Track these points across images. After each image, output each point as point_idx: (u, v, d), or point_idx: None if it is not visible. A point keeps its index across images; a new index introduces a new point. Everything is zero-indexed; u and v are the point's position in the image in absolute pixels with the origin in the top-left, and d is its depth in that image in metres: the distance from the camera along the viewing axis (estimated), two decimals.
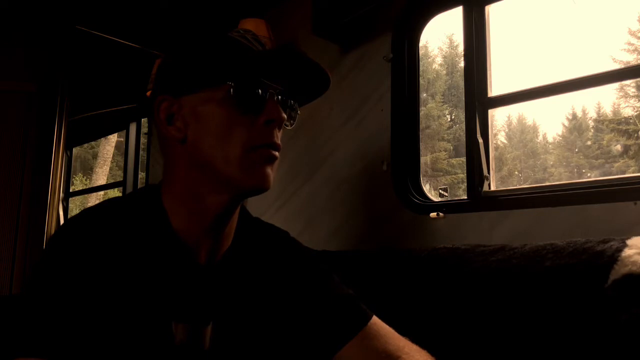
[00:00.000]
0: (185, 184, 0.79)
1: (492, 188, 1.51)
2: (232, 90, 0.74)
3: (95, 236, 0.74)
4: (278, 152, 0.78)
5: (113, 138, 10.77)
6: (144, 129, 3.19)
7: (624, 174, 2.81)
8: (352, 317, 0.86)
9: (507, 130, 17.68)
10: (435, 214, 1.52)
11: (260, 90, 0.76)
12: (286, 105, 0.80)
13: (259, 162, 0.76)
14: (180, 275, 0.78)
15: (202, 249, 0.81)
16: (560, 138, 16.52)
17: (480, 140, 1.52)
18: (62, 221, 3.18)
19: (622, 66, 7.87)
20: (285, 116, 0.78)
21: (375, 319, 0.87)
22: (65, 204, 3.60)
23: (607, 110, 15.24)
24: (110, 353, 0.71)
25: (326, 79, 0.82)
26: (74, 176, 11.74)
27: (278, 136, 0.78)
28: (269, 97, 0.76)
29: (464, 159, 1.80)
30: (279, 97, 0.78)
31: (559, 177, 15.27)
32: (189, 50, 0.81)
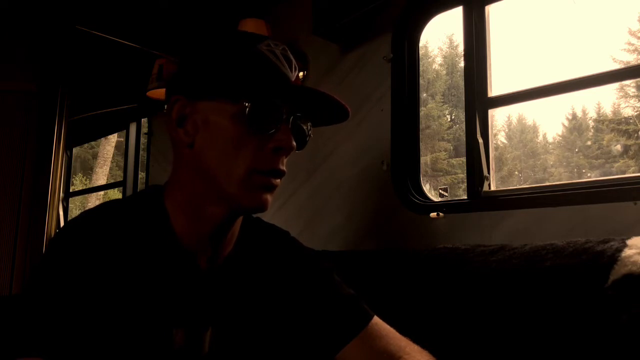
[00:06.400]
0: (188, 190, 0.79)
1: (492, 188, 1.51)
2: (247, 110, 0.73)
3: (96, 238, 0.74)
4: (281, 178, 0.77)
5: (113, 138, 10.76)
6: (144, 129, 3.19)
7: (624, 174, 2.81)
8: (353, 317, 0.86)
9: (507, 130, 17.70)
10: (435, 214, 1.52)
11: (274, 116, 0.74)
12: (299, 129, 0.78)
13: (259, 187, 0.75)
14: (180, 279, 0.78)
15: (203, 254, 0.80)
16: (560, 138, 16.53)
17: (480, 140, 1.52)
18: (62, 221, 3.18)
19: (622, 66, 7.87)
20: (295, 145, 0.76)
21: (376, 319, 0.87)
22: (65, 204, 3.60)
23: (607, 110, 15.25)
24: (109, 355, 0.71)
25: (345, 113, 0.80)
26: (74, 176, 11.74)
27: (284, 162, 0.77)
28: (282, 123, 0.75)
29: (464, 159, 1.80)
30: (294, 122, 0.76)
31: (559, 177, 15.28)
32: (214, 57, 0.77)
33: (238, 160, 0.74)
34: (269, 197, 0.77)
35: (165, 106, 0.79)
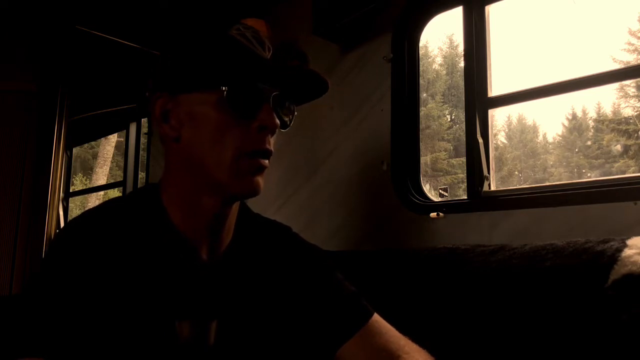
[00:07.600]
0: (180, 185, 0.79)
1: (492, 188, 1.51)
2: (227, 95, 0.74)
3: (97, 236, 0.74)
4: (269, 158, 0.78)
5: (113, 138, 10.77)
6: (144, 129, 3.19)
7: (624, 174, 2.81)
8: (354, 314, 0.86)
9: (507, 130, 17.72)
10: (435, 214, 1.52)
11: (254, 96, 0.75)
12: (282, 108, 0.79)
13: (249, 171, 0.76)
14: (183, 272, 0.78)
15: (203, 246, 0.81)
16: (560, 138, 16.55)
17: (480, 140, 1.52)
18: (62, 221, 3.18)
19: (622, 66, 7.88)
20: (279, 122, 0.77)
21: (376, 316, 0.87)
22: (65, 204, 3.60)
23: (607, 110, 15.26)
24: (113, 352, 0.71)
25: (324, 84, 0.81)
26: (74, 176, 11.73)
27: (270, 142, 0.78)
28: (263, 103, 0.76)
29: (464, 159, 1.80)
30: (274, 101, 0.77)
31: (559, 177, 15.29)
32: (187, 49, 0.79)
33: (224, 146, 0.74)
34: (259, 180, 0.77)
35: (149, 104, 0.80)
